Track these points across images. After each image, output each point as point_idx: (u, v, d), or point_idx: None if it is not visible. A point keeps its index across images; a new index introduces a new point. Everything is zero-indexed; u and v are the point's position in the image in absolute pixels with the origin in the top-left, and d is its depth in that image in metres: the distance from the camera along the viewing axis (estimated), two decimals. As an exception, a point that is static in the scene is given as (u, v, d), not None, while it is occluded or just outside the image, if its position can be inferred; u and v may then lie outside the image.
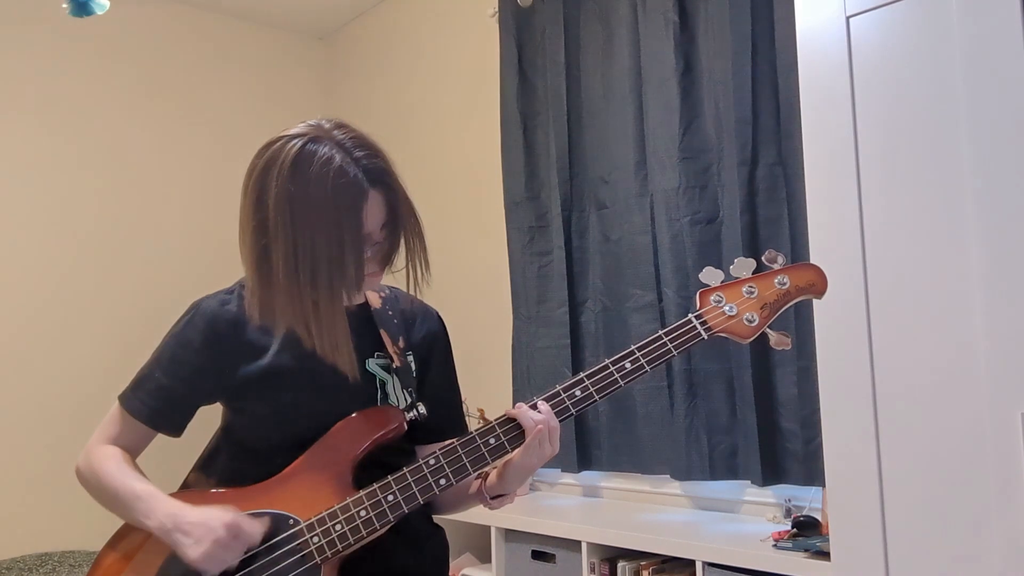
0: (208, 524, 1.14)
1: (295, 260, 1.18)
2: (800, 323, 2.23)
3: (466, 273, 3.37)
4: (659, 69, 2.58)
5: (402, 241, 1.25)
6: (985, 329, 1.44)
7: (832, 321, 1.64)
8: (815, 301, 1.65)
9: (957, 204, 1.48)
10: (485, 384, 2.95)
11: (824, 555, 1.82)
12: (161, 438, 1.34)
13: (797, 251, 2.26)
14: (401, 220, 1.24)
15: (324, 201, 1.17)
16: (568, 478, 2.91)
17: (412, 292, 1.32)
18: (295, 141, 1.19)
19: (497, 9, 3.12)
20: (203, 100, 3.77)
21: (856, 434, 1.59)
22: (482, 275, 3.28)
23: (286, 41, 4.11)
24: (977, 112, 1.47)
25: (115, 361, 2.35)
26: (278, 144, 1.20)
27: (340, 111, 4.05)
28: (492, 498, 1.32)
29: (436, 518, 1.40)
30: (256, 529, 1.17)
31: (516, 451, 1.23)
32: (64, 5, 1.95)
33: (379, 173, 1.21)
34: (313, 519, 1.20)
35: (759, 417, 2.30)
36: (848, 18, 1.63)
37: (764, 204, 2.35)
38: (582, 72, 2.84)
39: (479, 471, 1.24)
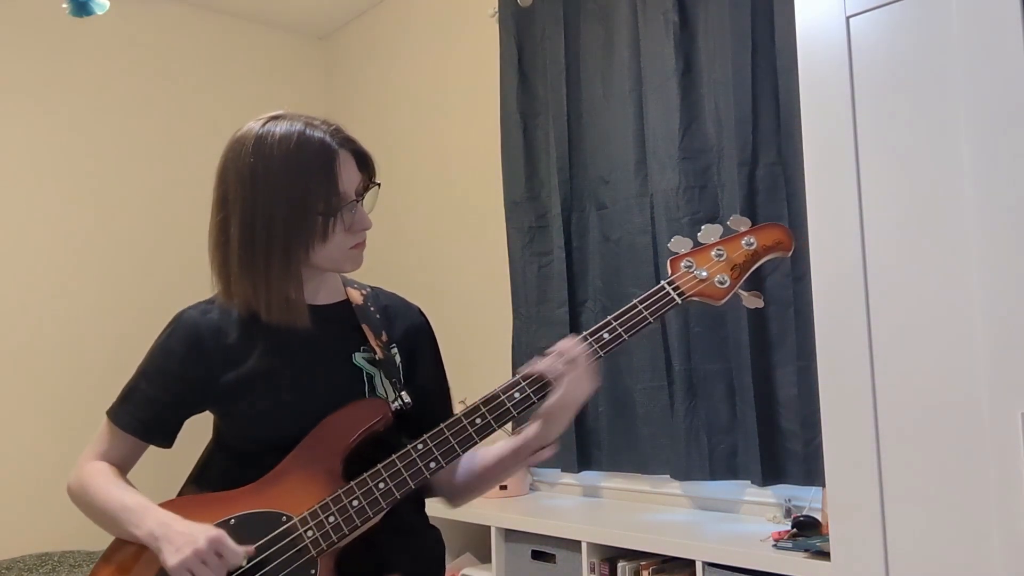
0: (191, 535, 1.14)
1: (252, 226, 1.23)
2: (800, 323, 2.23)
3: (466, 273, 3.37)
4: (659, 69, 2.57)
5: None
6: (985, 329, 1.44)
7: (832, 321, 1.64)
8: (815, 300, 1.66)
9: (957, 203, 1.48)
10: (485, 384, 2.94)
11: (824, 555, 1.82)
12: (153, 451, 1.34)
13: (797, 251, 2.25)
14: (374, 177, 1.30)
15: (288, 165, 1.23)
16: (568, 478, 2.91)
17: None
18: (257, 123, 1.28)
19: (497, 9, 3.12)
20: (203, 100, 3.77)
21: (856, 434, 1.59)
22: (482, 275, 3.28)
23: (286, 41, 4.11)
24: (977, 112, 1.46)
25: (115, 361, 2.35)
26: (242, 131, 1.29)
27: (340, 111, 4.06)
28: (533, 453, 1.30)
29: (432, 518, 1.40)
30: (239, 552, 1.15)
31: (551, 395, 1.24)
32: (64, 5, 1.95)
33: (345, 137, 1.28)
34: (306, 513, 1.20)
35: (759, 417, 2.30)
36: (848, 18, 1.63)
37: (764, 204, 2.35)
38: (582, 72, 2.84)
39: (467, 451, 1.24)
